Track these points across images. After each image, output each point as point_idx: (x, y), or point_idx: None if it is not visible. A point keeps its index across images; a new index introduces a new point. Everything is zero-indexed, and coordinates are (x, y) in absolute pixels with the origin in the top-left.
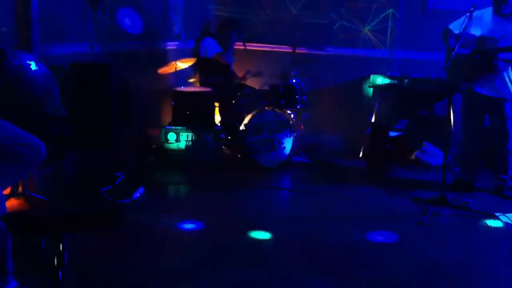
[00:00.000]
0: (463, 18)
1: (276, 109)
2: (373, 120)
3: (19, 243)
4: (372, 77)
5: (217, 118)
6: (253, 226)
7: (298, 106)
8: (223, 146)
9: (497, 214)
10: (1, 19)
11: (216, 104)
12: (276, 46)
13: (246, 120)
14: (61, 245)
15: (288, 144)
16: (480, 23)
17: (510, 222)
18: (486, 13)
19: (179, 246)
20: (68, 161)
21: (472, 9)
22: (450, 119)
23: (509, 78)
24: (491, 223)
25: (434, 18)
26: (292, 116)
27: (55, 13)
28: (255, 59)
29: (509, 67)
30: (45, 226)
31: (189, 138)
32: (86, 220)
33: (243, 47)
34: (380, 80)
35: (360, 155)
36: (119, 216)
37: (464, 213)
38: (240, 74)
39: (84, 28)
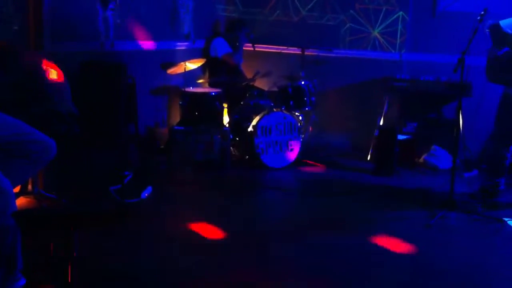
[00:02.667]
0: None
1: (284, 111)
2: (381, 122)
3: (29, 240)
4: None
5: (226, 119)
6: (256, 228)
7: (307, 108)
8: (231, 147)
9: (505, 219)
10: (14, 18)
11: (225, 105)
12: (285, 47)
13: (254, 121)
14: (70, 243)
15: (296, 145)
16: None
17: None
18: None
19: (187, 246)
20: (77, 159)
21: (482, 12)
22: (460, 122)
23: None
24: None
25: (444, 20)
26: (300, 117)
27: (66, 12)
28: (264, 60)
29: None
30: (53, 223)
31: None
32: (94, 217)
33: (252, 48)
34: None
35: (369, 157)
36: (126, 214)
37: (472, 217)
38: (249, 75)
39: (95, 27)
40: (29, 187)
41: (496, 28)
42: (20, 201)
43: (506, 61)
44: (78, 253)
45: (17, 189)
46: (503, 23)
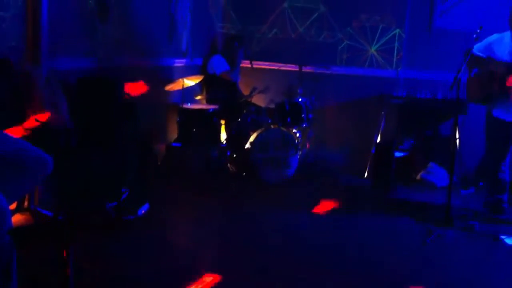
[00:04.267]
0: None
1: (282, 127)
2: (378, 139)
3: (25, 256)
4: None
5: (223, 135)
6: (255, 246)
7: (304, 124)
8: (229, 164)
9: (502, 236)
10: (11, 33)
11: (222, 121)
12: (282, 64)
13: (252, 138)
14: (65, 259)
15: (293, 162)
16: (501, 46)
17: None
18: (506, 36)
19: (183, 265)
20: (73, 175)
21: (478, 30)
22: (456, 139)
23: None
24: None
25: (440, 38)
26: (298, 134)
27: (64, 27)
28: (261, 77)
29: None
30: (49, 241)
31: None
32: (90, 235)
33: (250, 65)
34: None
35: (366, 174)
36: (120, 230)
37: (468, 235)
38: (246, 91)
39: (93, 43)
40: (25, 203)
41: (468, 51)
42: (16, 218)
43: (477, 81)
44: (73, 269)
45: (13, 206)
46: (475, 47)
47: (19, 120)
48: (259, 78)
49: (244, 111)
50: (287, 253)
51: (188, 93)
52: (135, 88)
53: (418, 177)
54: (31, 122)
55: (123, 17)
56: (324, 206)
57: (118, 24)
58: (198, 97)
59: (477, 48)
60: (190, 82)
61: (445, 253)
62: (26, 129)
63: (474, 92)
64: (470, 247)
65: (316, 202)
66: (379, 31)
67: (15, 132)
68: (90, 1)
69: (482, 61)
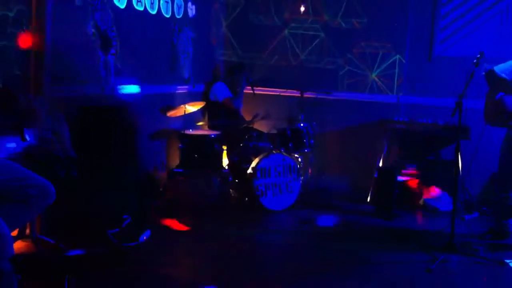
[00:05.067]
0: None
1: (283, 153)
2: (380, 164)
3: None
4: None
5: (225, 161)
6: (256, 272)
7: (306, 150)
8: (231, 189)
9: (507, 260)
10: (15, 62)
11: (224, 147)
12: (284, 90)
13: (253, 164)
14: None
15: (295, 188)
16: None
17: None
18: None
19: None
20: (75, 203)
21: (478, 56)
22: (459, 164)
23: None
24: None
25: (440, 64)
26: (299, 159)
27: (68, 57)
28: (263, 103)
29: None
30: (51, 268)
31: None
32: (91, 262)
33: (252, 91)
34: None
35: (368, 199)
36: (123, 259)
37: (473, 260)
38: (248, 117)
39: (95, 72)
40: (27, 231)
41: (491, 73)
42: (18, 245)
43: (502, 104)
44: None
45: (15, 233)
46: (497, 68)
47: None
48: (261, 104)
49: (246, 136)
50: (286, 278)
51: (190, 119)
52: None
53: (421, 201)
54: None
55: (125, 47)
56: (325, 231)
57: (120, 53)
58: (200, 123)
59: (500, 69)
60: (192, 108)
61: (450, 278)
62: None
63: (498, 115)
64: (475, 272)
65: (317, 228)
66: (379, 57)
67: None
68: (94, 31)
69: (506, 83)
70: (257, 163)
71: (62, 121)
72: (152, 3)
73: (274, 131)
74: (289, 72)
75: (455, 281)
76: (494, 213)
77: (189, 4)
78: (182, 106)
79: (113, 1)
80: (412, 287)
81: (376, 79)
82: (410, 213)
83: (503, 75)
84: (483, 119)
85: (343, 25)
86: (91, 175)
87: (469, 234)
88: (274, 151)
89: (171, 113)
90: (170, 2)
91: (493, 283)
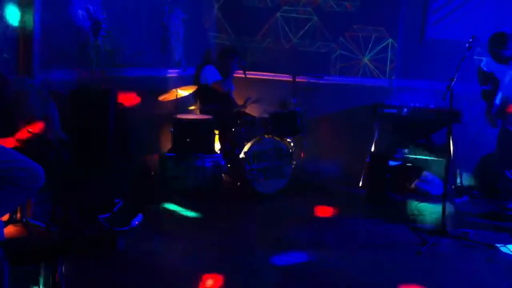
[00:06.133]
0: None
1: (276, 137)
2: (372, 148)
3: (17, 270)
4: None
5: (217, 146)
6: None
7: (298, 134)
8: (223, 174)
9: (497, 245)
10: (3, 45)
11: (216, 131)
12: (276, 74)
13: (246, 148)
14: (57, 272)
15: (288, 171)
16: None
17: (510, 253)
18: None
19: (177, 275)
20: (66, 187)
21: (471, 39)
22: (450, 148)
23: None
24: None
25: (433, 48)
26: (291, 144)
27: (57, 39)
28: (255, 87)
29: None
30: (42, 253)
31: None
32: (82, 246)
33: (244, 75)
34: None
35: (360, 184)
36: (114, 243)
37: (463, 243)
38: (240, 101)
39: (85, 55)
40: (18, 215)
41: (478, 69)
42: (9, 230)
43: (488, 96)
44: (66, 282)
45: (5, 218)
46: (482, 63)
47: (11, 131)
48: (253, 88)
49: (238, 121)
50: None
51: (182, 103)
52: (128, 99)
53: (413, 185)
54: (23, 133)
55: (115, 29)
56: (319, 214)
57: (110, 36)
58: (192, 107)
59: (483, 64)
60: (183, 92)
61: (440, 261)
62: (18, 140)
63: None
64: (465, 256)
65: (310, 211)
66: (372, 40)
67: (7, 143)
68: (83, 13)
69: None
70: (250, 148)
71: (52, 104)
72: None
73: (266, 116)
74: (281, 56)
75: (445, 264)
76: (489, 195)
77: None
78: (173, 90)
79: None
80: (402, 270)
81: (368, 62)
82: (402, 196)
83: (485, 68)
84: (474, 103)
85: (336, 8)
86: (81, 159)
87: (459, 217)
88: (266, 136)
89: (162, 97)
90: None
91: (482, 266)
